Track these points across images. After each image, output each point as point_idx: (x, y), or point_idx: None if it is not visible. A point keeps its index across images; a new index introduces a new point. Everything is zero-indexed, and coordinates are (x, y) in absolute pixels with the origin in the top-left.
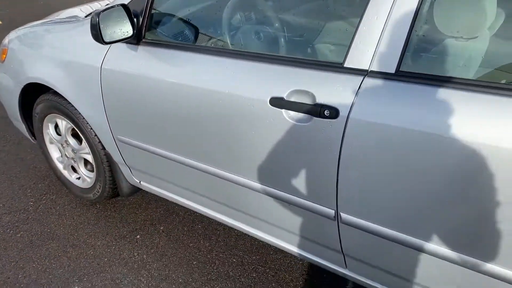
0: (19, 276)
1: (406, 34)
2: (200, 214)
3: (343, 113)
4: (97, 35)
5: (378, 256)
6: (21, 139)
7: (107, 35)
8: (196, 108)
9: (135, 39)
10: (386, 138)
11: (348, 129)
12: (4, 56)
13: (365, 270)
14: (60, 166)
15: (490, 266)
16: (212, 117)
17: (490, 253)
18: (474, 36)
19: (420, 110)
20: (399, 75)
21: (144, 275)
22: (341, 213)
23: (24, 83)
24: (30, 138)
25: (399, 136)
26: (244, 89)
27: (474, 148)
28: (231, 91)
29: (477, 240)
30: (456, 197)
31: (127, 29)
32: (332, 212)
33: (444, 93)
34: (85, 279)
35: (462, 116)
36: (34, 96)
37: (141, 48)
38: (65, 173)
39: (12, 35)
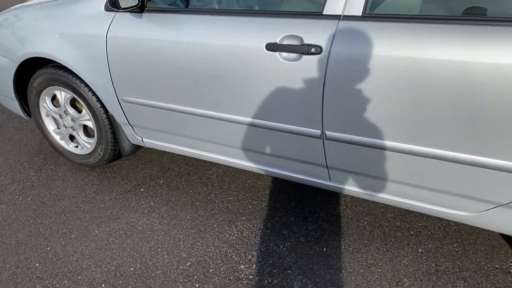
0: (41, 229)
1: None
2: (194, 167)
3: (325, 49)
4: (116, 2)
5: (357, 162)
6: (2, 122)
7: (124, 3)
8: (199, 61)
9: (139, 8)
10: (359, 65)
11: (330, 60)
12: None
13: (346, 178)
14: (57, 137)
15: (441, 152)
16: (215, 68)
17: (439, 142)
18: None
19: (380, 41)
20: (365, 17)
21: (156, 217)
22: (326, 131)
23: (21, 60)
24: (23, 115)
25: (367, 62)
26: (242, 40)
27: (422, 67)
28: (231, 43)
29: (431, 134)
30: (412, 104)
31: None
32: (318, 132)
33: (396, 27)
34: (103, 225)
35: (408, 42)
36: (27, 73)
37: (144, 15)
38: (63, 143)
39: (1, 17)
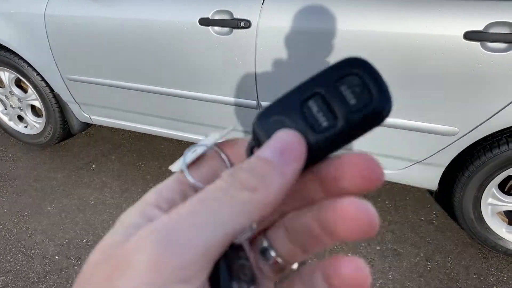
0: None
1: None
2: (146, 142)
3: (254, 23)
4: None
5: None
6: None
7: None
8: (136, 37)
9: None
10: (285, 37)
11: (259, 34)
12: None
13: None
14: (5, 118)
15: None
16: (152, 43)
17: None
18: None
19: (301, 15)
20: None
21: (108, 191)
22: (261, 102)
23: None
24: None
25: (291, 34)
26: (176, 15)
27: (348, 36)
28: (166, 19)
29: None
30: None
31: None
32: (254, 102)
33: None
34: (55, 202)
35: (333, 15)
36: None
37: None
38: (11, 124)
39: None
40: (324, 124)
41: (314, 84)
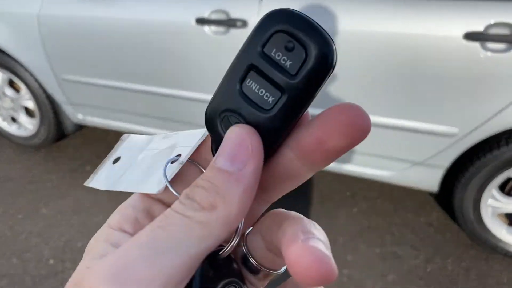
0: None
1: None
2: None
3: (251, 23)
4: None
5: None
6: None
7: None
8: (132, 37)
9: None
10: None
11: None
12: None
13: None
14: None
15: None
16: (148, 43)
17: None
18: None
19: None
20: None
21: (103, 193)
22: None
23: None
24: None
25: None
26: (172, 15)
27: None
28: (162, 18)
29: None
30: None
31: None
32: None
33: None
34: (50, 204)
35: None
36: None
37: None
38: (5, 125)
39: None
40: (271, 99)
41: (243, 59)
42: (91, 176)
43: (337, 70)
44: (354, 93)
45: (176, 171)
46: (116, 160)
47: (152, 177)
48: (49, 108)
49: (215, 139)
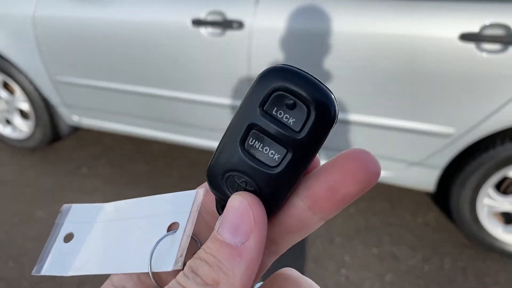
0: None
1: None
2: (137, 145)
3: (247, 24)
4: None
5: None
6: None
7: None
8: (128, 38)
9: None
10: (278, 37)
11: (252, 35)
12: None
13: None
14: None
15: (362, 117)
16: (144, 44)
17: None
18: None
19: (295, 16)
20: None
21: (99, 195)
22: None
23: None
24: None
25: (287, 35)
26: (168, 16)
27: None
28: (158, 19)
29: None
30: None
31: None
32: None
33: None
34: (46, 207)
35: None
36: None
37: None
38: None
39: None
40: (277, 156)
41: (244, 118)
42: (38, 262)
43: (333, 71)
44: (350, 95)
45: (182, 262)
46: (68, 237)
47: (145, 255)
48: (44, 110)
49: (220, 199)
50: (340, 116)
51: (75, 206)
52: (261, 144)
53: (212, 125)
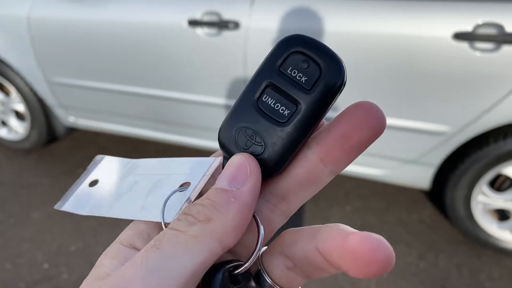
0: None
1: None
2: (133, 145)
3: (243, 24)
4: None
5: None
6: None
7: None
8: (124, 39)
9: None
10: (274, 37)
11: (248, 35)
12: None
13: None
14: None
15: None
16: (140, 45)
17: None
18: None
19: (290, 16)
20: None
21: None
22: None
23: None
24: None
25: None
26: (164, 17)
27: (350, 37)
28: (154, 20)
29: None
30: None
31: None
32: None
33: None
34: (42, 208)
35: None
36: None
37: None
38: None
39: None
40: (286, 112)
41: (261, 78)
42: (62, 199)
43: None
44: (344, 94)
45: (183, 209)
46: (93, 183)
47: (155, 206)
48: (40, 111)
49: (227, 152)
50: (335, 115)
51: (107, 158)
52: (274, 101)
53: (208, 125)
